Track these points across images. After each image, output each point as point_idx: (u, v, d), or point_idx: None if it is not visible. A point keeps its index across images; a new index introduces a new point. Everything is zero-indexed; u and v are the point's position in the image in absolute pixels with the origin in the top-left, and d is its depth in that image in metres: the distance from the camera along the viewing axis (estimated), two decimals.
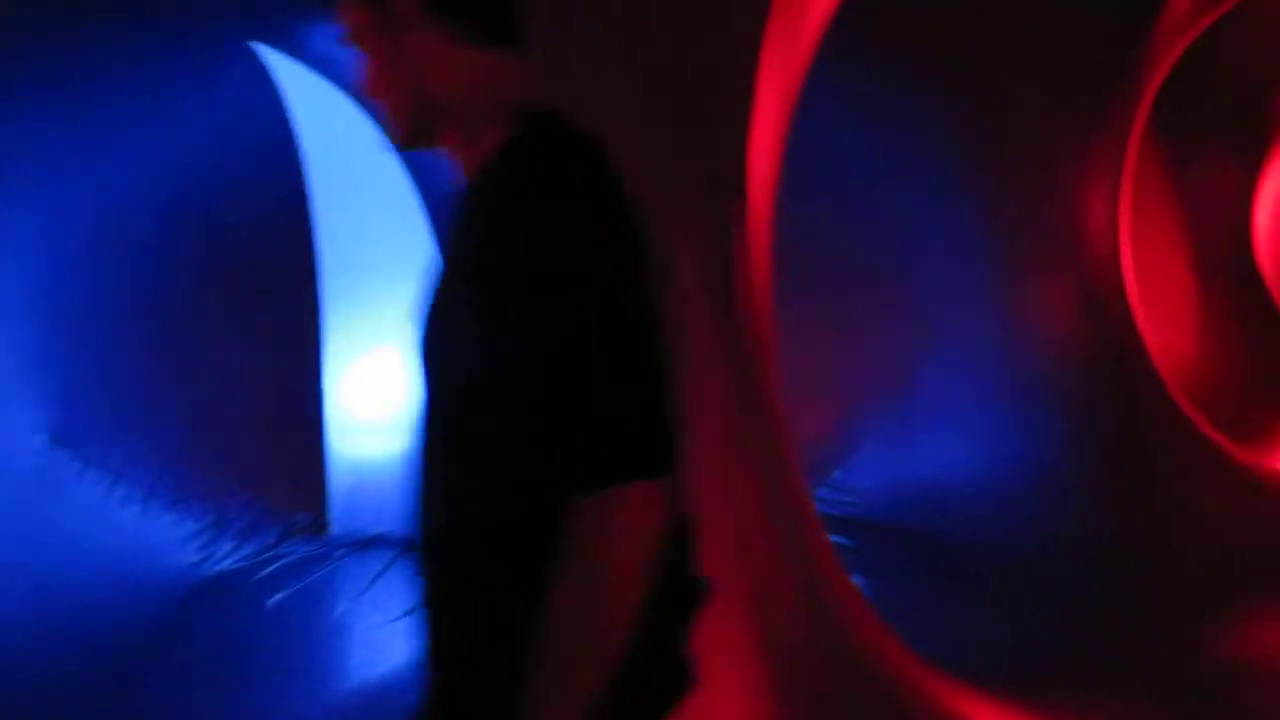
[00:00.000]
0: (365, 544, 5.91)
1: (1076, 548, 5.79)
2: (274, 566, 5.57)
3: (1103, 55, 6.56)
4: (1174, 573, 5.72)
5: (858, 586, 4.67)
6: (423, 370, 1.60)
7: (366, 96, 1.61)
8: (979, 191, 6.48)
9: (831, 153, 6.47)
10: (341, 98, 5.39)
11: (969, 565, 5.68)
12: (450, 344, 1.54)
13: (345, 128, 5.46)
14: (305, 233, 5.77)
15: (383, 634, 5.08)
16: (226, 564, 5.46)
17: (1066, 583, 5.49)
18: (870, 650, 4.04)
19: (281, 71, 5.52)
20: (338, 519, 6.04)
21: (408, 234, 5.43)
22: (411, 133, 1.62)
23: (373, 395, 6.03)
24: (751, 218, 4.00)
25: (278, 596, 5.32)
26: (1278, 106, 9.94)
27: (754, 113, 3.95)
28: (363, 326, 5.89)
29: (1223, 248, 9.74)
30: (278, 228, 5.69)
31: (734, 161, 3.91)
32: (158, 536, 5.32)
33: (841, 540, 5.93)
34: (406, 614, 5.32)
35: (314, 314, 5.91)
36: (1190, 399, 8.03)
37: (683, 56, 3.84)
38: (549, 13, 3.92)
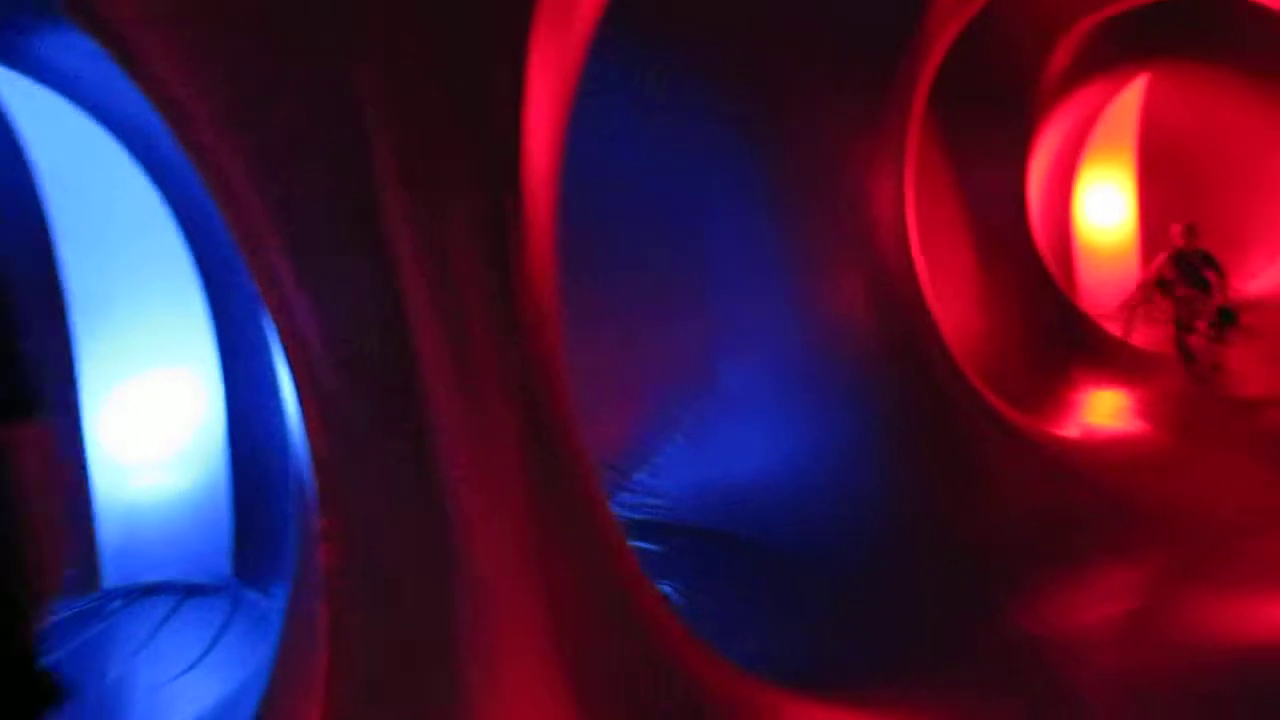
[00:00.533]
0: (142, 594, 5.46)
1: (882, 536, 5.81)
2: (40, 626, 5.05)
3: (879, 47, 6.64)
4: (977, 550, 5.80)
5: (665, 594, 4.53)
6: None
7: None
8: (768, 185, 6.45)
9: (621, 151, 6.34)
10: (78, 114, 4.93)
11: (778, 564, 5.63)
12: None
13: (85, 147, 4.99)
14: (46, 262, 5.25)
15: (165, 693, 4.68)
16: None
17: (874, 572, 5.50)
18: (680, 659, 3.89)
19: (5, 87, 5.01)
20: (110, 570, 5.55)
21: (162, 255, 5.02)
22: None
23: (140, 430, 5.56)
24: (530, 213, 3.80)
25: (46, 660, 4.82)
26: (1044, 85, 10.38)
27: (526, 103, 3.75)
28: (122, 358, 5.42)
29: (1003, 225, 10.10)
30: (11, 259, 5.16)
31: (506, 154, 3.70)
32: None
33: (648, 546, 5.80)
34: (190, 668, 4.92)
35: (65, 349, 5.39)
36: (982, 375, 8.23)
37: (447, 48, 3.62)
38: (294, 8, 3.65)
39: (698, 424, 6.50)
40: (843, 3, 6.43)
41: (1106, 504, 6.54)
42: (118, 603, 5.40)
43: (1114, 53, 11.11)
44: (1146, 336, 10.46)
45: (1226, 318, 9.37)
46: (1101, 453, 7.45)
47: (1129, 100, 12.33)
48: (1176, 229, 9.83)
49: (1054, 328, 9.90)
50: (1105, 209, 12.67)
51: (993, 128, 9.94)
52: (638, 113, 6.32)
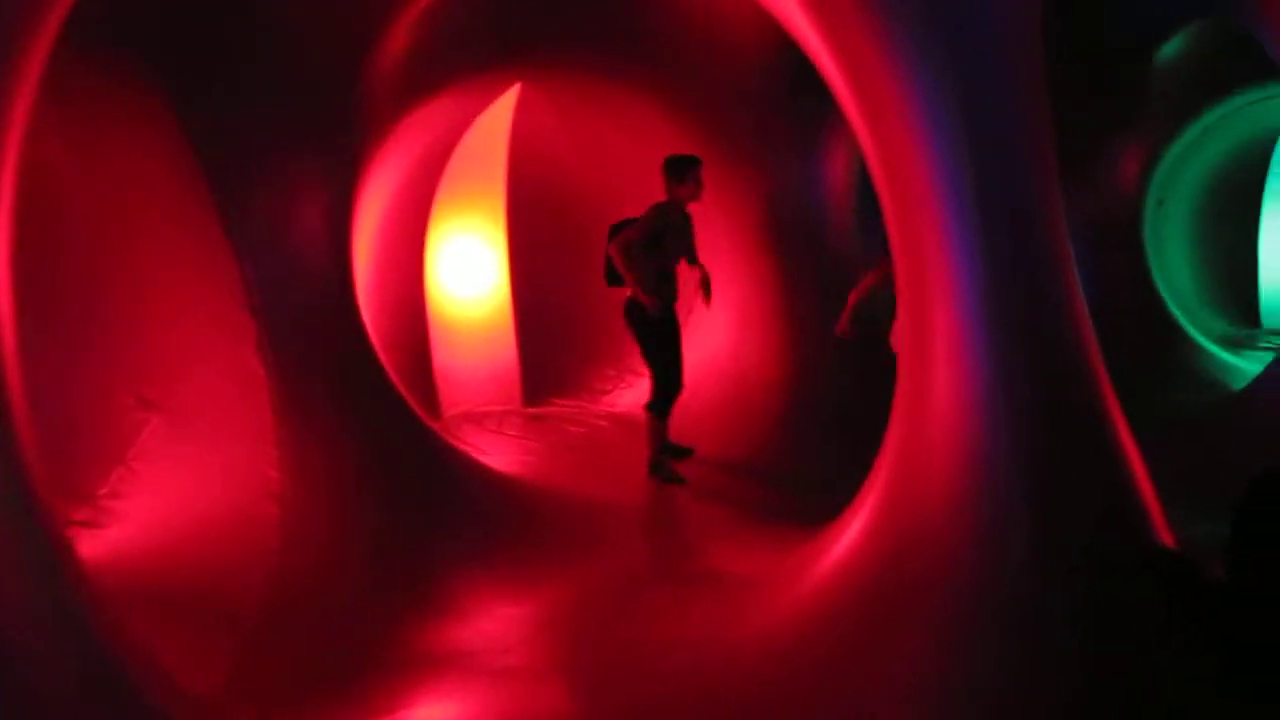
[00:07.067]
0: None
1: None
2: None
3: None
4: None
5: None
6: None
7: None
8: None
9: None
10: None
11: None
12: None
13: None
14: None
15: None
16: None
17: None
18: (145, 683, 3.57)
19: None
20: None
21: None
22: None
23: None
24: None
25: None
26: (375, 89, 6.81)
27: None
28: None
29: (309, 297, 6.30)
30: None
31: None
32: None
33: None
34: None
35: None
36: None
37: None
38: None
39: None
40: None
41: None
42: None
43: (479, 50, 7.74)
44: None
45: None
46: None
47: (496, 120, 9.13)
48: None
49: (415, 473, 6.40)
50: (468, 267, 9.41)
51: (295, 148, 6.11)
52: None
